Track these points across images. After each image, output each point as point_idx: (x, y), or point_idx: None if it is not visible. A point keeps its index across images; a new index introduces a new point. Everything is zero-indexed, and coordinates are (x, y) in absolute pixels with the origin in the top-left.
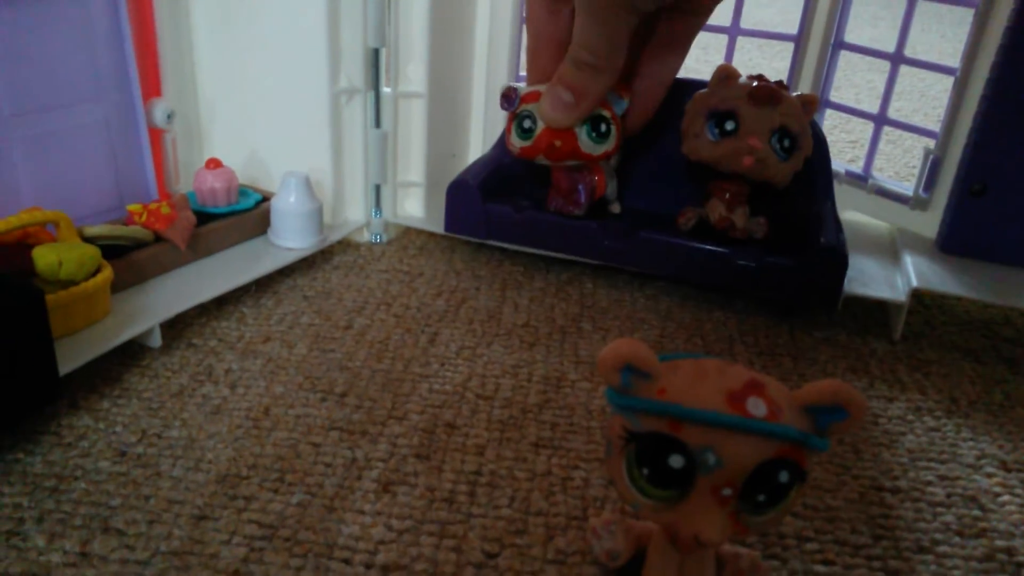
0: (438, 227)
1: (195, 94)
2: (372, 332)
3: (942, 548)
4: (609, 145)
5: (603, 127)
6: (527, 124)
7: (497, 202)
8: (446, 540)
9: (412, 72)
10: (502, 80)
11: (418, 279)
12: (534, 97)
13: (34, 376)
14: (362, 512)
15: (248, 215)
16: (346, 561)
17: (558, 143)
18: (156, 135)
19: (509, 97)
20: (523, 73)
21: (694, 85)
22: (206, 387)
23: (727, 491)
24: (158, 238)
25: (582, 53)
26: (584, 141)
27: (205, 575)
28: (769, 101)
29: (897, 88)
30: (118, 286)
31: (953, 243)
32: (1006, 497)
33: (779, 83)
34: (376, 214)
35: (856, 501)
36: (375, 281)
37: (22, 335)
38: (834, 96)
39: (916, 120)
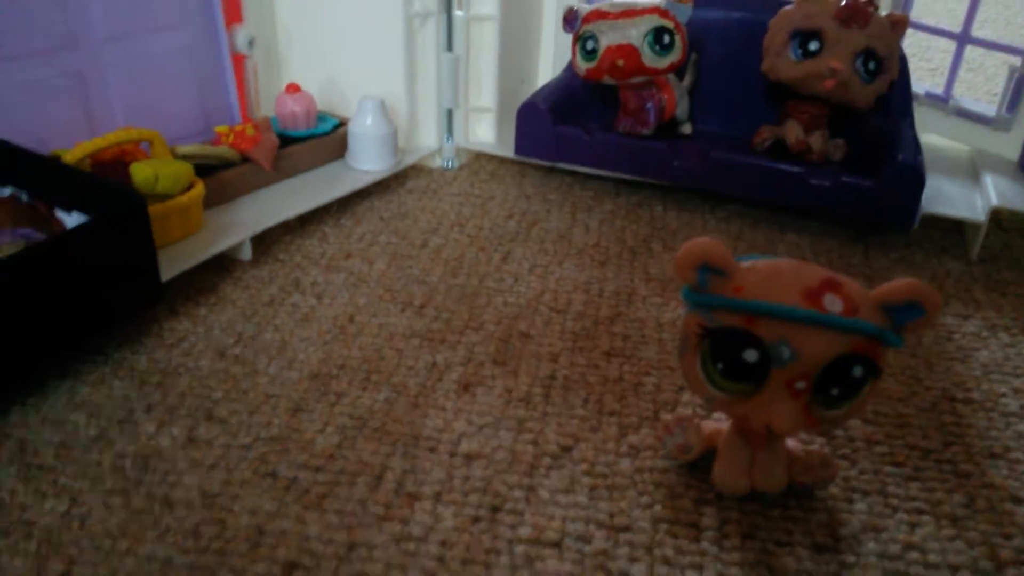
0: (508, 152)
1: (273, 21)
2: (447, 250)
3: (1014, 455)
4: (674, 56)
5: (666, 38)
6: (590, 45)
7: (567, 124)
8: (524, 434)
9: None
10: (572, 1)
11: (490, 202)
12: (596, 16)
13: (138, 281)
14: (444, 409)
15: (327, 139)
16: (431, 449)
17: (620, 62)
18: (238, 60)
19: (570, 19)
20: None
21: (779, 1)
22: (294, 297)
23: (800, 384)
24: (244, 159)
25: None
26: (647, 55)
27: (303, 458)
28: (856, 20)
29: (980, 16)
30: (209, 203)
31: None
32: None
33: (868, 2)
34: (448, 139)
35: (928, 410)
36: (448, 204)
37: (127, 239)
38: (915, 18)
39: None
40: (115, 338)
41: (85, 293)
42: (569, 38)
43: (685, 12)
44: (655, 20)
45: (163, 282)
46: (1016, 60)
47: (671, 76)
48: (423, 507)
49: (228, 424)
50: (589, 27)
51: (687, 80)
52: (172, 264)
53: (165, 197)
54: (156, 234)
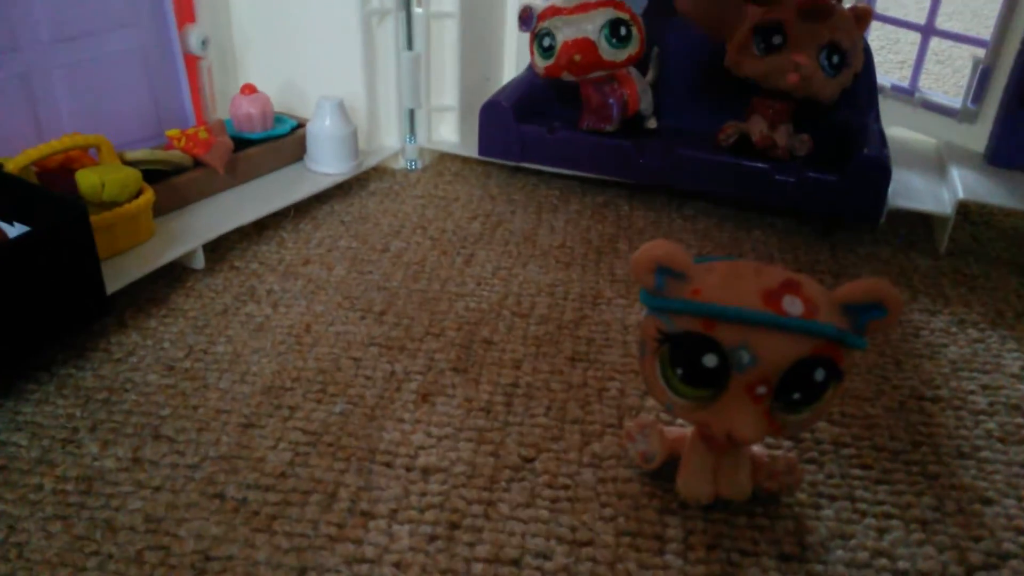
0: (473, 152)
1: (228, 20)
2: (409, 254)
3: (983, 454)
4: (632, 49)
5: (623, 30)
6: (547, 42)
7: (531, 123)
8: (484, 446)
9: None
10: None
11: (453, 203)
12: (551, 12)
13: (82, 293)
14: (402, 420)
15: (284, 140)
16: (388, 464)
17: (578, 56)
18: (192, 62)
19: (525, 18)
20: None
21: None
22: (249, 306)
23: (761, 389)
24: (197, 163)
25: None
26: (604, 48)
27: (253, 477)
28: (819, 14)
29: (947, 8)
30: (160, 210)
31: (1002, 155)
32: None
33: None
34: (411, 140)
35: (896, 409)
36: (411, 206)
37: (69, 250)
38: (880, 9)
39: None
40: (60, 354)
41: (26, 307)
42: None
43: (640, 2)
44: (610, 12)
45: (111, 294)
46: (980, 52)
47: (633, 70)
48: (378, 526)
49: (175, 443)
50: (545, 24)
51: (650, 75)
52: (120, 275)
53: (112, 205)
54: (103, 244)
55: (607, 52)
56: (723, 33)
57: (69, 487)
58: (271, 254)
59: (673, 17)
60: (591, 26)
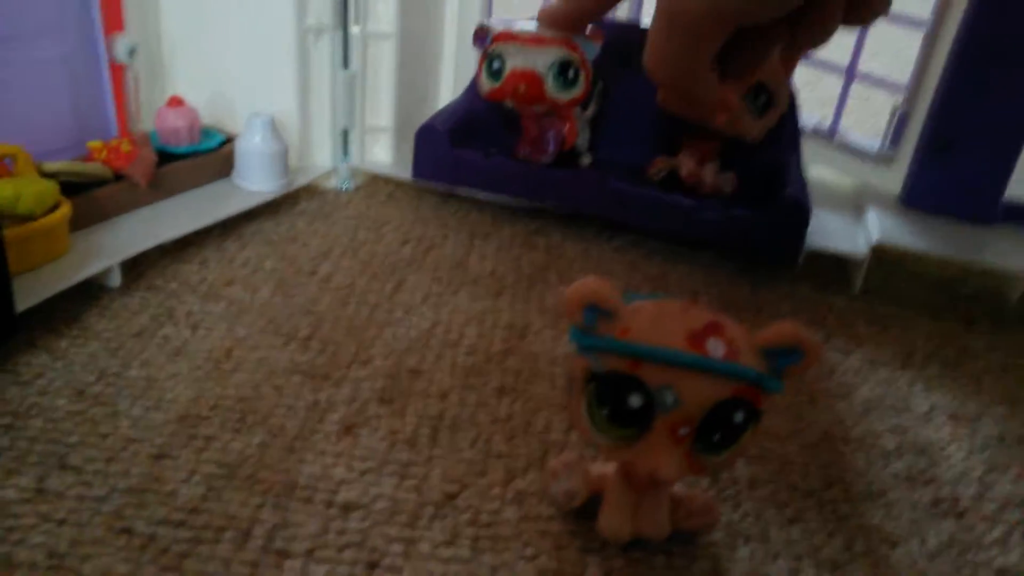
0: (406, 173)
1: (158, 29)
2: (337, 278)
3: (892, 495)
4: (577, 91)
5: (571, 72)
6: (496, 65)
7: (466, 148)
8: (407, 480)
9: (382, 10)
10: (474, 21)
11: (385, 226)
12: (506, 37)
13: None
14: (323, 453)
15: (211, 156)
16: (307, 500)
17: (523, 87)
18: (118, 71)
19: (480, 36)
20: (496, 14)
21: None
22: (167, 328)
23: (684, 430)
24: (118, 176)
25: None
26: (551, 85)
27: (163, 512)
28: None
29: (871, 47)
30: (78, 224)
31: (916, 198)
32: (954, 447)
33: None
34: (343, 159)
35: (810, 448)
36: (341, 227)
37: None
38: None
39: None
40: None
41: None
42: (471, 58)
43: (593, 49)
44: (562, 52)
45: (21, 312)
46: (898, 97)
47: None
48: (293, 566)
49: (82, 473)
50: (498, 47)
51: (591, 109)
52: (32, 291)
53: (27, 218)
54: (15, 258)
55: (552, 90)
56: (704, 115)
57: None
58: (193, 274)
59: (620, 65)
60: (542, 61)
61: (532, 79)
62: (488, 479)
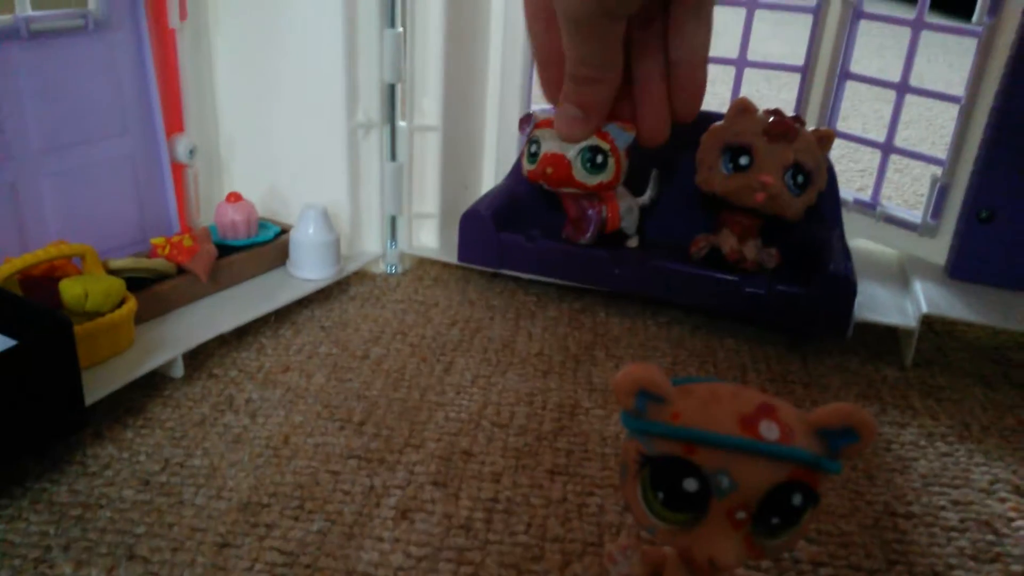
0: (452, 257)
1: (216, 129)
2: (388, 361)
3: (956, 573)
4: (605, 176)
5: (599, 158)
6: (533, 148)
7: (510, 231)
8: (464, 567)
9: (427, 106)
10: (515, 113)
11: (433, 309)
12: (546, 123)
13: (61, 406)
14: (381, 539)
15: (267, 247)
16: None
17: (549, 170)
18: (178, 170)
19: (524, 122)
20: (534, 105)
21: (710, 117)
22: (227, 416)
23: (741, 514)
24: (180, 270)
25: (576, 68)
26: (578, 169)
27: None
28: (784, 137)
29: (904, 117)
30: (142, 317)
31: (962, 269)
32: (1020, 522)
33: (795, 118)
34: (392, 245)
35: (870, 526)
36: (391, 311)
37: (51, 365)
38: (841, 126)
39: (924, 148)
40: (35, 467)
41: (4, 421)
42: (511, 146)
43: (625, 138)
44: (592, 139)
45: (89, 405)
46: (938, 170)
47: (621, 189)
48: None
49: (150, 563)
50: (537, 132)
51: (647, 195)
52: (100, 385)
53: (95, 314)
54: (84, 353)
55: (580, 174)
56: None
57: None
58: (250, 361)
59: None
60: (570, 146)
61: (560, 162)
62: (544, 564)
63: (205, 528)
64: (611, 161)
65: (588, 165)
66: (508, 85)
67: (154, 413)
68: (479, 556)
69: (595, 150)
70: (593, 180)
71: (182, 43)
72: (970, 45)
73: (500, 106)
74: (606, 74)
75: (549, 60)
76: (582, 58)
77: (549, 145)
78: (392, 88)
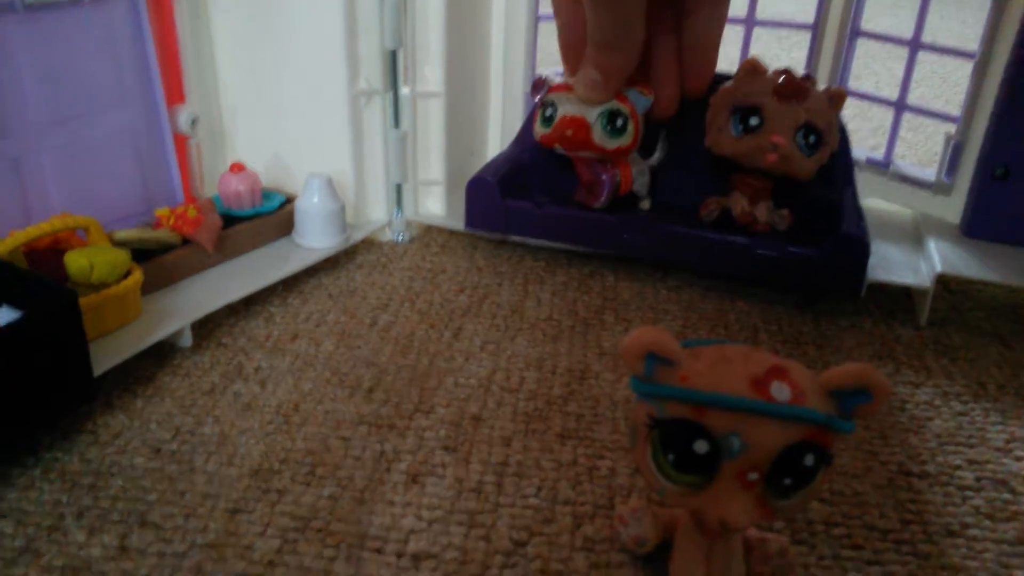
0: (459, 224)
1: (217, 100)
2: (397, 328)
3: (972, 532)
4: (624, 140)
5: (619, 121)
6: (549, 112)
7: (516, 197)
8: (475, 529)
9: (429, 72)
10: (519, 77)
11: (440, 276)
12: (561, 88)
13: (70, 376)
14: (392, 503)
15: (272, 217)
16: (378, 550)
17: (570, 132)
18: (181, 141)
19: (537, 86)
20: (539, 70)
21: (719, 78)
22: (236, 384)
23: (753, 475)
24: (186, 241)
25: (598, 34)
26: (598, 133)
27: (241, 566)
28: (795, 97)
29: (917, 75)
30: (148, 288)
31: (977, 227)
32: None
33: (806, 77)
34: (398, 213)
35: (884, 486)
36: (398, 279)
37: (58, 336)
38: (853, 84)
39: (937, 106)
40: (46, 437)
41: (14, 393)
42: (518, 111)
43: (644, 103)
44: (612, 103)
45: (98, 375)
46: (952, 127)
47: (633, 153)
48: None
49: (162, 529)
50: (552, 96)
51: (655, 157)
52: (108, 355)
53: (101, 286)
54: (91, 325)
55: (600, 137)
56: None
57: None
58: (259, 330)
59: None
60: (591, 109)
61: (580, 124)
62: (556, 526)
63: (217, 494)
64: (631, 125)
65: (608, 128)
66: (512, 49)
67: (164, 382)
68: (490, 519)
69: (616, 114)
70: (612, 144)
71: (180, 12)
72: (984, 0)
73: (504, 70)
74: (626, 42)
75: (573, 36)
76: (604, 25)
77: (567, 108)
78: (393, 54)
